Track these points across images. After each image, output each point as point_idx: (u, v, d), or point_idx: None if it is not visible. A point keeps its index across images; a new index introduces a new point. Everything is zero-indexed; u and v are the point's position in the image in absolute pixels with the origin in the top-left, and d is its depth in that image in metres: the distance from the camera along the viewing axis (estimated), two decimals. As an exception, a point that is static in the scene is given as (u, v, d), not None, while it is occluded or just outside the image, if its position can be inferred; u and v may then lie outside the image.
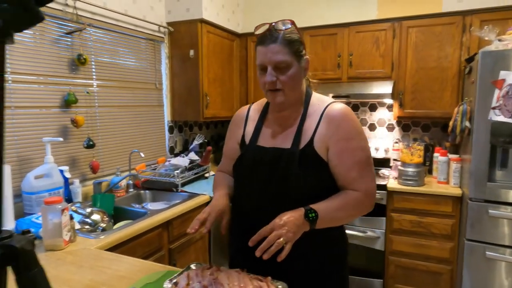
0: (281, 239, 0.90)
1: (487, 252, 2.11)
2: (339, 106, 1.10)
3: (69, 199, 1.93)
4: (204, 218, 1.05)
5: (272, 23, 1.05)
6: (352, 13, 2.77)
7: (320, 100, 1.14)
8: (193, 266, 1.06)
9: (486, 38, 2.13)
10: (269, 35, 1.03)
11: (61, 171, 1.86)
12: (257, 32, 1.06)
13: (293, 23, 1.05)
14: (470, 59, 2.36)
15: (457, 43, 2.50)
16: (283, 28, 1.03)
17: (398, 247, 2.53)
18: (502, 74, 1.98)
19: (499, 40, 2.08)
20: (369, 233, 2.56)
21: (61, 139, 1.86)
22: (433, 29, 2.55)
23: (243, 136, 1.21)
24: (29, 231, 0.49)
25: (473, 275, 2.17)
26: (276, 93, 1.06)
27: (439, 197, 2.38)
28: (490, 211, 2.08)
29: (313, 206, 1.00)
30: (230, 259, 1.30)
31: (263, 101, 1.24)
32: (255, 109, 1.24)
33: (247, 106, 1.29)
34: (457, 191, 2.34)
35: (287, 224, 0.94)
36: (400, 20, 2.63)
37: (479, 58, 2.05)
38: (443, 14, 2.52)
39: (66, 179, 1.90)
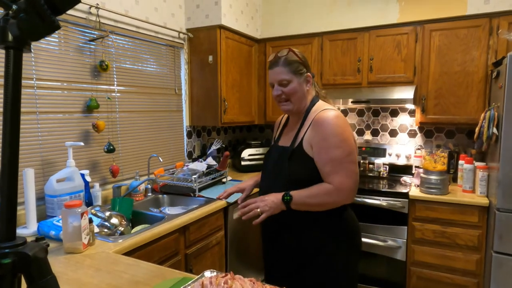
0: (258, 209, 1.30)
1: (516, 266, 2.00)
2: (326, 113, 1.33)
3: (89, 202, 1.97)
4: (226, 190, 1.67)
5: (277, 52, 1.40)
6: (372, 17, 2.72)
7: (318, 108, 1.39)
8: (207, 274, 1.04)
9: (515, 41, 2.04)
10: (274, 60, 1.39)
11: (82, 175, 1.91)
12: (268, 60, 1.45)
13: (290, 49, 1.39)
14: (497, 63, 2.26)
15: (483, 47, 2.40)
16: (284, 54, 1.37)
17: (420, 258, 2.44)
18: (533, 78, 1.89)
19: (529, 43, 1.99)
20: (390, 242, 2.48)
21: (82, 143, 1.90)
22: (458, 32, 2.47)
23: (274, 137, 1.62)
24: (43, 238, 0.50)
25: (501, 290, 2.07)
26: (284, 103, 1.41)
27: (464, 207, 2.28)
28: (519, 222, 1.98)
29: (291, 192, 1.31)
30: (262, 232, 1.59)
31: None
32: (286, 116, 1.63)
33: (283, 114, 1.66)
34: (483, 201, 2.24)
35: (267, 201, 1.32)
36: (423, 24, 2.57)
37: (507, 61, 1.96)
38: (468, 16, 2.44)
39: (86, 183, 1.94)
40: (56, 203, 1.74)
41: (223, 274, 1.01)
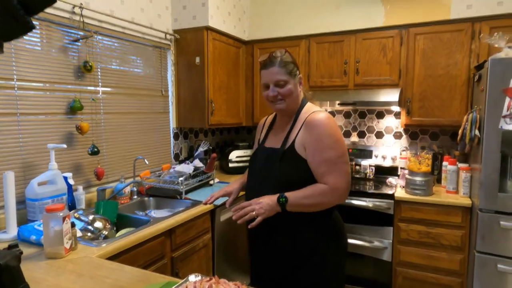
0: (254, 212, 1.27)
1: (498, 265, 2.05)
2: (318, 115, 1.34)
3: (72, 206, 1.93)
4: (212, 195, 1.59)
5: (272, 52, 1.40)
6: (358, 20, 2.75)
7: (308, 109, 1.42)
8: (191, 278, 1.03)
9: (496, 45, 2.09)
10: (269, 61, 1.38)
11: (65, 178, 1.86)
12: (261, 60, 1.42)
13: (286, 50, 1.40)
14: (479, 67, 2.32)
15: (466, 50, 2.46)
16: (279, 54, 1.37)
17: (406, 258, 2.47)
18: (513, 82, 1.93)
19: (509, 47, 2.04)
20: (376, 243, 2.51)
21: (65, 145, 1.86)
22: (441, 36, 2.52)
23: (259, 139, 1.58)
24: (16, 245, 0.48)
25: (484, 289, 2.11)
26: (277, 103, 1.40)
27: (448, 207, 2.32)
28: (501, 222, 2.02)
29: (286, 193, 1.30)
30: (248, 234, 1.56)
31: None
32: (270, 117, 1.62)
33: (267, 115, 1.65)
34: (466, 201, 2.28)
35: (261, 203, 1.29)
36: (407, 27, 2.61)
37: (489, 65, 2.01)
38: (451, 21, 2.48)
39: (69, 186, 1.89)
40: (38, 207, 1.69)
41: (208, 278, 1.00)
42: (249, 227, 1.28)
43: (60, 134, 1.96)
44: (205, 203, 1.58)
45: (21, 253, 0.49)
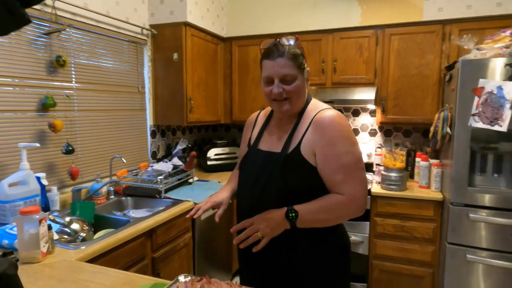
0: (258, 232, 1.04)
1: (467, 255, 2.16)
2: (328, 112, 1.15)
3: (46, 207, 1.84)
4: (200, 206, 1.24)
5: (277, 38, 1.15)
6: (336, 19, 2.80)
7: (314, 106, 1.21)
8: (181, 278, 1.02)
9: (466, 47, 2.19)
10: (276, 49, 1.13)
11: (38, 178, 1.77)
12: (263, 47, 1.16)
13: (297, 38, 1.15)
14: (450, 67, 2.43)
15: (437, 51, 2.56)
16: (288, 43, 1.13)
17: (381, 251, 2.55)
18: (481, 82, 2.04)
19: (478, 49, 2.15)
20: (353, 238, 2.58)
21: (37, 144, 1.77)
22: (415, 37, 2.61)
23: (250, 139, 1.35)
24: (12, 252, 0.45)
25: (454, 278, 2.22)
26: (282, 102, 1.16)
27: (421, 202, 2.43)
28: (470, 215, 2.14)
29: (295, 206, 1.08)
30: (239, 253, 1.35)
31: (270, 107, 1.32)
32: (263, 114, 1.37)
33: (258, 111, 1.41)
34: (438, 196, 2.39)
35: (267, 220, 1.07)
36: (383, 28, 2.68)
37: (459, 66, 2.11)
38: (423, 22, 2.58)
39: (43, 187, 1.81)
40: (9, 209, 1.60)
41: (198, 278, 0.99)
42: (253, 250, 1.04)
43: (31, 132, 1.86)
44: (191, 217, 1.23)
45: (17, 260, 0.45)
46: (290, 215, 1.06)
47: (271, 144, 1.23)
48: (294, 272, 1.14)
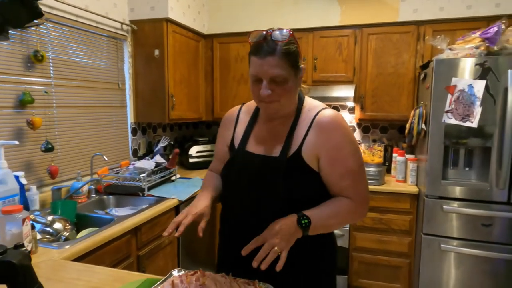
0: (275, 248, 0.89)
1: (442, 245, 2.28)
2: (330, 113, 1.07)
3: (25, 207, 1.78)
4: (180, 221, 1.03)
5: (269, 30, 0.98)
6: (316, 18, 2.86)
7: (311, 106, 1.11)
8: (175, 273, 1.03)
9: (439, 47, 2.30)
10: (266, 45, 0.97)
11: (16, 177, 1.71)
12: (252, 40, 1.00)
13: (292, 33, 0.99)
14: (424, 66, 2.54)
15: (412, 51, 2.67)
16: (282, 39, 0.97)
17: (361, 244, 2.64)
18: (454, 80, 2.16)
19: (450, 49, 2.26)
20: (335, 231, 2.64)
21: (16, 142, 1.71)
22: (391, 37, 2.71)
23: (233, 138, 1.18)
24: (22, 245, 0.45)
25: (429, 267, 2.34)
26: (270, 104, 1.02)
27: (398, 195, 2.53)
28: (444, 206, 2.25)
29: (305, 212, 0.99)
30: (218, 262, 1.25)
31: (254, 103, 1.18)
32: (245, 111, 1.21)
33: (238, 107, 1.24)
34: (414, 189, 2.50)
35: (280, 233, 0.93)
36: (361, 27, 2.77)
37: (433, 65, 2.21)
38: (399, 23, 2.69)
39: (21, 186, 1.74)
40: (-14, 209, 1.54)
41: (192, 272, 1.00)
42: (277, 269, 0.89)
43: (8, 129, 1.79)
44: (169, 234, 1.03)
45: (30, 251, 0.44)
46: (303, 222, 0.97)
47: (264, 146, 1.10)
48: (287, 267, 0.97)
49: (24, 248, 0.45)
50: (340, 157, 1.04)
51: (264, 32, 0.98)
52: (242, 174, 1.10)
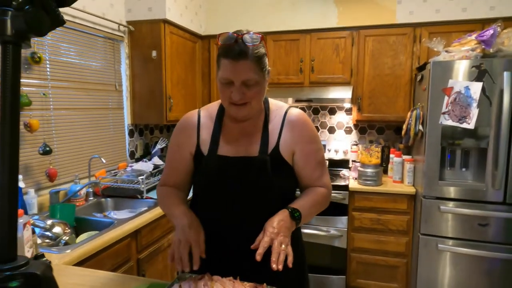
0: (282, 245, 0.91)
1: (439, 245, 2.31)
2: (298, 111, 1.14)
3: (23, 211, 1.75)
4: (181, 252, 0.95)
5: (239, 33, 0.97)
6: (313, 20, 2.87)
7: (277, 106, 1.16)
8: (182, 275, 1.02)
9: (435, 49, 2.32)
10: (238, 49, 0.95)
11: (14, 181, 1.69)
12: (222, 42, 0.98)
13: (262, 37, 0.99)
14: (421, 68, 2.56)
15: (409, 53, 2.70)
16: (253, 42, 0.96)
17: (359, 244, 2.66)
18: (451, 82, 2.18)
19: (446, 51, 2.29)
20: (332, 232, 2.67)
21: None
22: (388, 39, 2.74)
23: (198, 145, 1.12)
24: (43, 255, 0.44)
25: (426, 266, 2.36)
26: (241, 107, 1.02)
27: (395, 196, 2.55)
28: (441, 207, 2.28)
29: (293, 205, 1.03)
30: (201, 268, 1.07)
31: (213, 106, 1.18)
32: (206, 115, 1.16)
33: (195, 112, 1.18)
34: (411, 190, 2.53)
35: (280, 230, 0.95)
36: (358, 29, 2.79)
37: (430, 67, 2.24)
38: (396, 25, 2.71)
39: (19, 189, 1.72)
40: (-16, 214, 1.52)
41: (200, 276, 0.99)
42: (289, 265, 0.91)
43: None
44: (183, 271, 0.95)
45: (50, 262, 0.43)
46: (296, 215, 1.01)
47: (237, 148, 1.09)
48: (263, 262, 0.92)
49: (44, 259, 0.44)
50: (312, 150, 1.12)
51: (235, 35, 0.97)
52: (220, 179, 1.08)
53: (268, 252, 0.90)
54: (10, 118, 0.40)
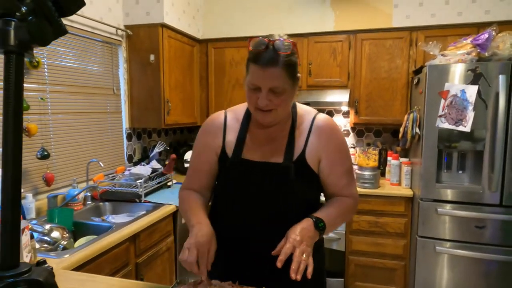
0: (304, 256, 0.89)
1: (436, 247, 2.32)
2: (326, 117, 1.12)
3: (21, 215, 1.75)
4: (193, 261, 0.92)
5: (271, 39, 0.96)
6: (311, 24, 2.89)
7: (305, 111, 1.13)
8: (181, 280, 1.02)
9: (431, 53, 2.35)
10: (268, 55, 0.94)
11: (12, 185, 1.69)
12: (253, 48, 0.96)
13: (294, 44, 0.97)
14: (417, 71, 2.59)
15: (405, 56, 2.72)
16: (284, 50, 0.94)
17: (357, 247, 2.67)
18: (447, 85, 2.20)
19: (442, 55, 2.31)
20: (330, 235, 2.67)
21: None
22: (384, 43, 2.76)
23: (223, 147, 1.11)
24: (45, 262, 0.45)
25: (424, 269, 2.37)
26: (267, 113, 1.01)
27: (393, 198, 2.56)
28: (438, 209, 2.29)
29: (317, 215, 1.00)
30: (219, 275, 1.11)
31: (240, 108, 1.17)
32: (233, 117, 1.15)
33: (221, 113, 1.18)
34: (408, 192, 2.54)
35: (303, 238, 0.93)
36: (355, 33, 2.80)
37: (427, 71, 2.25)
38: (393, 29, 2.73)
39: (17, 194, 1.72)
40: (-18, 219, 1.51)
41: (199, 281, 1.00)
42: (308, 276, 0.88)
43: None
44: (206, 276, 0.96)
45: (52, 268, 0.43)
46: (320, 225, 0.98)
47: (262, 153, 1.08)
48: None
49: (47, 265, 0.44)
50: (340, 158, 1.09)
51: (266, 41, 0.95)
52: (243, 184, 1.07)
53: (288, 259, 0.89)
54: (13, 126, 0.40)
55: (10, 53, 0.39)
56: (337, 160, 1.08)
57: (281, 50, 0.94)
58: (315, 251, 0.99)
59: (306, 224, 0.96)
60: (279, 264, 0.88)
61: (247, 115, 1.13)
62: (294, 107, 1.13)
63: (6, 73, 0.39)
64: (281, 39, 0.96)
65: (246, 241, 1.08)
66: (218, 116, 1.17)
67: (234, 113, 1.16)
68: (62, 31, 0.42)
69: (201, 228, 0.98)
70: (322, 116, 1.12)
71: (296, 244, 0.91)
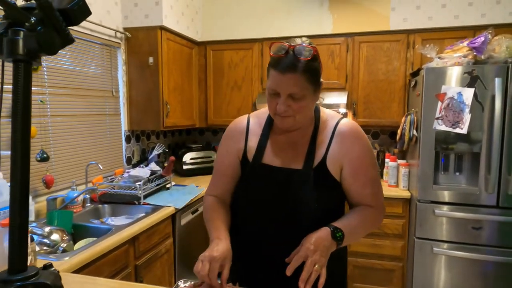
0: (317, 265, 0.87)
1: (434, 248, 2.33)
2: (350, 122, 1.08)
3: (20, 218, 1.76)
4: (206, 274, 0.92)
5: (291, 44, 0.95)
6: (309, 27, 2.90)
7: (329, 116, 1.10)
8: (181, 284, 1.03)
9: (428, 55, 2.37)
10: (287, 61, 0.93)
11: (12, 188, 1.69)
12: (273, 53, 0.96)
13: (315, 50, 0.95)
14: (414, 74, 2.61)
15: (402, 59, 2.74)
16: (305, 56, 0.93)
17: (355, 248, 2.68)
18: (444, 88, 2.22)
19: (439, 58, 2.33)
20: (329, 237, 2.68)
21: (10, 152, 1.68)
22: (382, 45, 2.78)
23: (245, 152, 1.11)
24: (51, 265, 0.46)
25: (421, 270, 2.39)
26: (285, 118, 1.00)
27: (390, 200, 2.58)
28: (436, 210, 2.31)
29: (335, 224, 0.97)
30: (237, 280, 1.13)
31: (263, 113, 1.16)
32: (255, 122, 1.15)
33: (244, 118, 1.18)
34: (406, 194, 2.56)
35: (318, 248, 0.91)
36: (353, 36, 2.83)
37: (424, 73, 2.28)
38: (390, 31, 2.76)
39: (17, 197, 1.72)
40: (-18, 221, 1.51)
41: (199, 283, 1.01)
42: (319, 287, 0.87)
43: (3, 139, 1.76)
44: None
45: (58, 272, 0.44)
46: (338, 235, 0.94)
47: (283, 158, 1.06)
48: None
49: (53, 269, 0.45)
50: (363, 166, 1.05)
51: (287, 46, 0.94)
52: (262, 187, 1.06)
53: (300, 268, 0.88)
54: (21, 132, 0.41)
55: (19, 61, 0.40)
56: (360, 167, 1.04)
57: (302, 56, 0.93)
58: (338, 259, 1.00)
59: (322, 233, 0.94)
60: (288, 272, 0.88)
61: (270, 120, 1.12)
62: (318, 111, 1.10)
63: (14, 81, 0.40)
64: (303, 44, 0.95)
65: (258, 244, 1.08)
66: (241, 120, 1.18)
67: (257, 118, 1.17)
68: (69, 40, 0.43)
69: (218, 243, 0.98)
70: (345, 121, 1.08)
71: (309, 253, 0.90)
